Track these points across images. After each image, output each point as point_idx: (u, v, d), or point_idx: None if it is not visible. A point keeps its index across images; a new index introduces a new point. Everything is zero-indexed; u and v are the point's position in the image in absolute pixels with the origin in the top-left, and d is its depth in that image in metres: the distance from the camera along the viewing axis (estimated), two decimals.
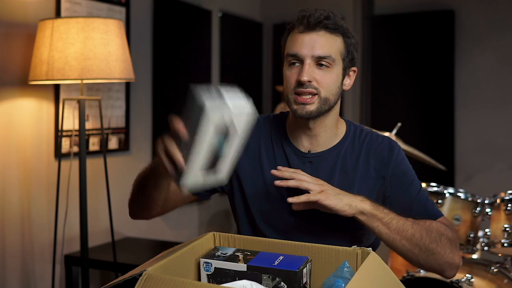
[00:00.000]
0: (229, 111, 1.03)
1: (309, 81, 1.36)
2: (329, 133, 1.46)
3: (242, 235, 1.29)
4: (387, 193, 1.45)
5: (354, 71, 1.47)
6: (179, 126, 1.07)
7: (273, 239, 1.26)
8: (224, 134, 1.06)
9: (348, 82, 1.46)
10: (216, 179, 1.13)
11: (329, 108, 1.41)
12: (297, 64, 1.38)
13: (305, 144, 1.47)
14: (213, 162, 1.10)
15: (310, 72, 1.36)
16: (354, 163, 1.44)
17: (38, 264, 2.73)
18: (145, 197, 1.38)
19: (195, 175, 1.09)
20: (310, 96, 1.37)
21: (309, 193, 1.29)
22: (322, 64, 1.37)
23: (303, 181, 1.29)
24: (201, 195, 1.53)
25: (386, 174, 1.44)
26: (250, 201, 1.48)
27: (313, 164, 1.45)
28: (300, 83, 1.36)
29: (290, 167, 1.45)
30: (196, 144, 1.04)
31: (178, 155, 1.07)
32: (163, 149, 1.11)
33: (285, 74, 1.41)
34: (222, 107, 1.02)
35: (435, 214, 1.45)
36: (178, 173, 1.09)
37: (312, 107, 1.37)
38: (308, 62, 1.36)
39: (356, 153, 1.45)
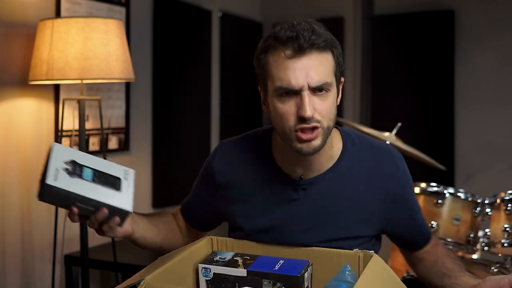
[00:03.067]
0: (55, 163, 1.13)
1: (312, 116, 1.20)
2: (323, 157, 1.33)
3: (239, 239, 1.27)
4: (389, 216, 1.38)
5: (341, 82, 1.33)
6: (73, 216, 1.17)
7: (271, 243, 1.24)
8: (78, 169, 1.14)
9: (339, 96, 1.32)
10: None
11: (330, 134, 1.28)
12: (291, 95, 1.21)
13: (297, 171, 1.34)
14: (112, 181, 1.17)
15: (311, 105, 1.20)
16: (354, 184, 1.34)
17: (38, 264, 2.72)
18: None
19: (124, 202, 1.16)
20: (314, 130, 1.22)
21: None
22: (320, 89, 1.22)
23: None
24: (205, 228, 1.53)
25: (390, 197, 1.36)
26: (237, 230, 1.42)
27: (307, 191, 1.33)
28: (302, 119, 1.20)
29: (280, 195, 1.34)
30: (91, 199, 1.13)
31: (98, 216, 1.16)
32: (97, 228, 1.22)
33: (276, 107, 1.23)
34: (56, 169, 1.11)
35: (428, 234, 1.48)
36: (116, 217, 1.17)
37: (317, 142, 1.23)
38: (306, 93, 1.20)
39: (356, 173, 1.34)
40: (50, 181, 1.06)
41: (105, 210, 1.12)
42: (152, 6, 3.47)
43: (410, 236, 1.44)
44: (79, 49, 2.33)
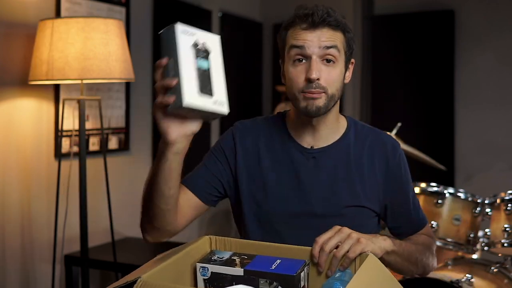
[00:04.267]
0: (199, 35, 1.11)
1: (317, 79, 1.34)
2: (330, 128, 1.45)
3: (238, 239, 1.27)
4: (387, 199, 1.46)
5: (352, 63, 1.46)
6: (161, 61, 1.10)
7: (270, 243, 1.24)
8: (206, 56, 1.12)
9: (348, 74, 1.45)
10: (215, 103, 1.12)
11: (334, 103, 1.41)
12: (303, 61, 1.36)
13: (307, 140, 1.46)
14: (207, 85, 1.11)
15: (318, 69, 1.34)
16: (358, 158, 1.45)
17: (38, 264, 2.73)
18: (155, 200, 1.32)
19: (191, 95, 1.08)
20: (318, 93, 1.36)
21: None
22: (328, 59, 1.36)
23: (330, 244, 1.18)
24: (210, 201, 1.49)
25: (390, 179, 1.45)
26: (253, 203, 1.46)
27: (316, 159, 1.44)
28: (309, 81, 1.34)
29: (293, 163, 1.45)
30: (180, 65, 1.07)
31: (166, 80, 1.08)
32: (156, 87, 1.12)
33: (289, 71, 1.38)
34: (191, 32, 1.10)
35: (423, 220, 1.53)
36: (173, 96, 1.08)
37: (320, 103, 1.36)
38: (315, 58, 1.34)
39: (359, 148, 1.46)
40: (179, 28, 1.08)
41: (174, 82, 1.07)
42: (152, 6, 3.48)
43: (398, 217, 1.47)
44: (79, 49, 2.33)
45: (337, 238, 1.18)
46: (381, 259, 1.26)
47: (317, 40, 1.35)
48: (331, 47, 1.35)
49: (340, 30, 1.38)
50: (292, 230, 1.40)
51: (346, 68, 1.42)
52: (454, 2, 4.36)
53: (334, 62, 1.36)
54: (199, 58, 1.10)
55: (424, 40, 4.43)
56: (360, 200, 1.42)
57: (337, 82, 1.38)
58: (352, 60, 1.46)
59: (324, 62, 1.36)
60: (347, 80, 1.44)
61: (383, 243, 1.25)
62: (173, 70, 1.08)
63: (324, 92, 1.36)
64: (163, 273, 1.07)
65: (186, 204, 1.45)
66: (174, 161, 1.23)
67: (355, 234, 1.19)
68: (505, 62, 4.25)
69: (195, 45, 1.10)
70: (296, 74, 1.36)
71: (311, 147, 1.46)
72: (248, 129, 1.53)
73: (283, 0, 4.67)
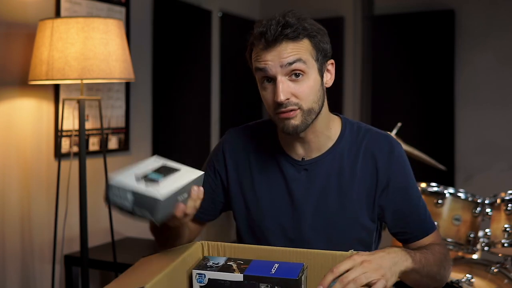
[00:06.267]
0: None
1: (287, 99, 1.27)
2: (321, 137, 1.39)
3: (230, 243, 1.25)
4: (383, 202, 1.38)
5: (332, 63, 1.37)
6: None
7: (264, 246, 1.23)
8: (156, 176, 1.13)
9: (329, 77, 1.37)
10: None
11: (315, 115, 1.33)
12: (271, 82, 1.29)
13: (298, 152, 1.40)
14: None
15: (285, 89, 1.26)
16: (352, 165, 1.38)
17: (38, 264, 2.72)
18: (169, 244, 1.38)
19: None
20: (292, 111, 1.28)
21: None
22: (296, 74, 1.27)
23: (353, 276, 1.06)
24: (211, 217, 1.53)
25: (385, 180, 1.37)
26: (246, 217, 1.45)
27: (308, 171, 1.39)
28: (279, 104, 1.27)
29: (284, 177, 1.40)
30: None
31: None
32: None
33: (262, 95, 1.34)
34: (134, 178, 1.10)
35: (431, 227, 1.43)
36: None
37: (296, 121, 1.29)
38: (280, 78, 1.27)
39: (354, 154, 1.38)
40: (161, 197, 1.07)
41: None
42: (152, 6, 3.48)
43: (404, 223, 1.39)
44: (79, 49, 2.33)
45: (359, 271, 1.06)
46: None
47: (277, 59, 1.27)
48: (294, 62, 1.26)
49: (304, 38, 1.29)
50: (286, 244, 1.36)
51: (322, 73, 1.33)
52: (454, 2, 4.36)
53: (303, 75, 1.28)
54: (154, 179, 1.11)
55: (424, 40, 4.42)
56: (353, 211, 1.37)
57: (311, 95, 1.29)
58: (331, 61, 1.36)
59: (292, 77, 1.28)
60: (328, 85, 1.37)
61: (404, 264, 1.16)
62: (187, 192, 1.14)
63: (299, 109, 1.28)
64: (162, 282, 1.05)
65: (192, 226, 1.50)
66: (181, 230, 1.36)
67: (381, 270, 1.08)
68: (505, 62, 4.24)
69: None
70: (267, 95, 1.31)
71: (302, 158, 1.40)
72: (239, 141, 1.48)
73: (283, 0, 4.67)
